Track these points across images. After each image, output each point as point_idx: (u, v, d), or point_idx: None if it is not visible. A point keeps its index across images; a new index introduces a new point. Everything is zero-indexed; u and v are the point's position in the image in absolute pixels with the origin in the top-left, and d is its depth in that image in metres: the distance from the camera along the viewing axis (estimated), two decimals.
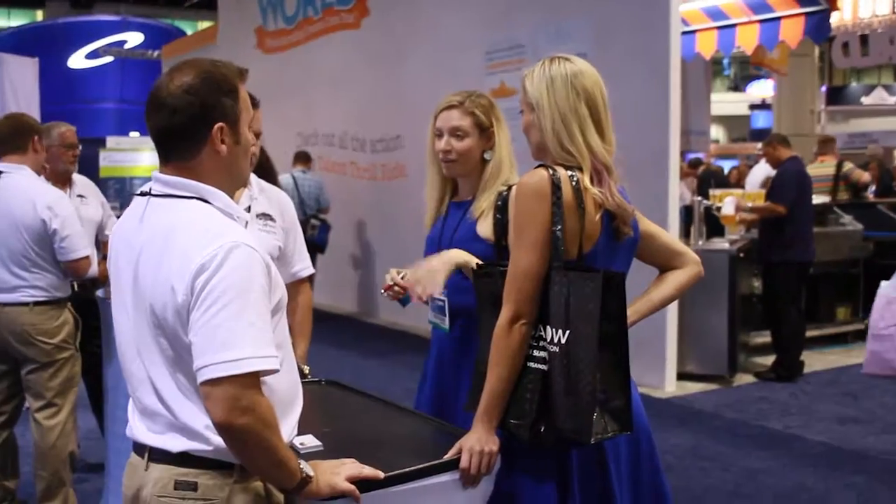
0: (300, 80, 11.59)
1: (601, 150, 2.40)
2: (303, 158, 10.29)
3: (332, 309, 10.67)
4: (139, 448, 2.06)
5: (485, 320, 2.46)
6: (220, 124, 1.99)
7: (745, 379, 7.37)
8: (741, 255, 7.32)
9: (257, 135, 3.13)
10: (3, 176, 4.24)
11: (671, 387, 6.91)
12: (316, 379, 3.19)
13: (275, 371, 1.92)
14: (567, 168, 2.36)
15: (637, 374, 6.59)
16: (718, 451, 5.54)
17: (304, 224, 9.81)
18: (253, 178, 3.24)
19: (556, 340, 2.27)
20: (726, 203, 7.70)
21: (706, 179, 10.62)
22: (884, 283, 4.35)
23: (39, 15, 32.20)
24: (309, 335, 3.45)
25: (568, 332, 2.25)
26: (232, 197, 2.07)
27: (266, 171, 5.65)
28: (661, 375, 6.89)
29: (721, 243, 7.54)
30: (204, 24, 24.38)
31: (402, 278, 2.89)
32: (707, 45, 10.63)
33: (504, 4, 8.28)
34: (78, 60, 21.48)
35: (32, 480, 4.37)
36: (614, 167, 2.44)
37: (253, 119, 3.03)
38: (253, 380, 1.87)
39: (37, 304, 4.20)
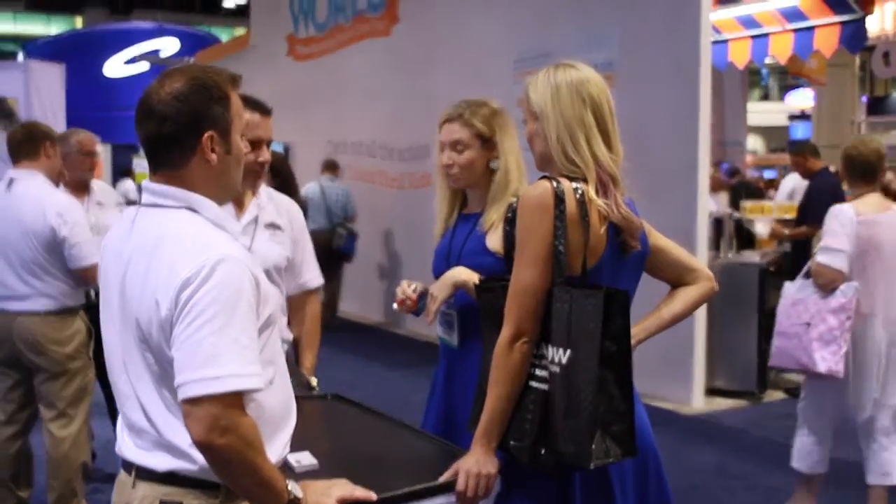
0: (330, 87, 11.58)
1: (607, 161, 2.30)
2: (330, 167, 10.27)
3: (358, 318, 10.62)
4: (127, 465, 2.01)
5: (487, 337, 2.38)
6: (210, 132, 1.94)
7: (775, 395, 7.21)
8: (772, 268, 7.17)
9: (268, 143, 3.08)
10: (14, 183, 4.23)
11: (699, 403, 6.77)
12: (322, 393, 3.13)
13: (258, 390, 1.86)
14: (571, 179, 2.27)
15: (664, 389, 6.51)
16: (745, 469, 5.41)
17: (331, 233, 9.79)
18: (262, 186, 3.19)
19: (557, 360, 2.18)
20: (760, 225, 7.55)
21: (738, 191, 10.44)
22: (788, 284, 4.47)
23: (79, 21, 32.59)
24: (317, 346, 3.38)
25: (569, 351, 2.16)
26: (222, 205, 2.01)
27: (284, 179, 5.64)
28: (688, 391, 6.75)
29: (751, 257, 7.41)
30: (239, 32, 24.51)
31: (414, 290, 2.84)
32: (740, 55, 10.46)
33: (533, 12, 8.20)
34: (114, 68, 21.68)
35: (45, 490, 4.34)
36: (621, 178, 2.34)
37: (262, 127, 3.01)
38: (235, 399, 1.80)
39: (48, 313, 4.17)
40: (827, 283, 4.22)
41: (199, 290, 1.79)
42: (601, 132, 2.32)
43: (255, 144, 2.98)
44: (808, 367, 4.31)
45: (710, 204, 9.71)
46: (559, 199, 2.21)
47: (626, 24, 7.20)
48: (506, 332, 2.23)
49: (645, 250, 2.42)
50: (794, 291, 4.42)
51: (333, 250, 9.87)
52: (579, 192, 2.24)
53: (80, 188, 4.87)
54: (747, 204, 8.26)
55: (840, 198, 7.20)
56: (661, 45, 6.91)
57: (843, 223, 4.19)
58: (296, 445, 2.28)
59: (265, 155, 3.03)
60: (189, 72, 1.98)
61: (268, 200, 3.19)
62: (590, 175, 2.27)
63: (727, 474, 5.32)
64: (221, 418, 1.77)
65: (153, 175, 2.00)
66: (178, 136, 1.93)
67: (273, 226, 3.16)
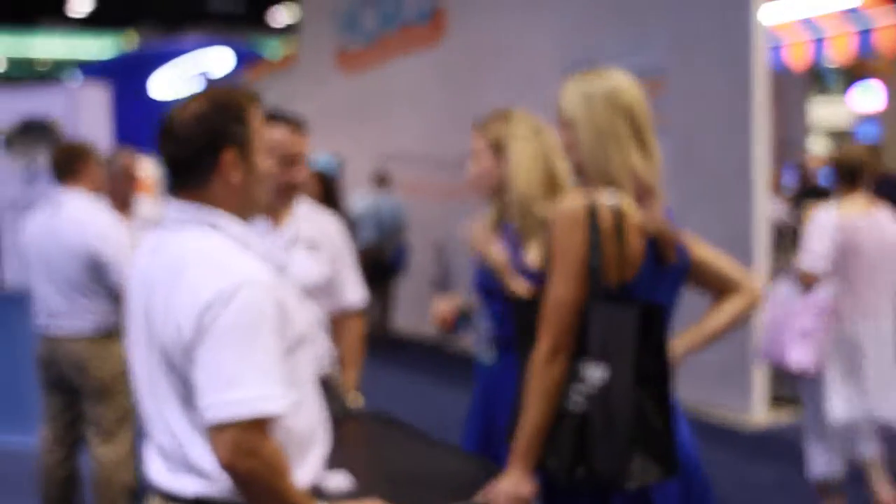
0: (379, 99, 11.59)
1: (643, 171, 2.23)
2: (381, 179, 10.27)
3: (409, 332, 10.55)
4: (154, 489, 2.00)
5: (523, 352, 2.31)
6: (230, 152, 1.95)
7: None
8: None
9: (303, 159, 3.03)
10: (62, 207, 4.28)
11: (760, 414, 6.55)
12: (363, 412, 3.11)
13: (281, 414, 1.84)
14: (606, 190, 2.19)
15: (722, 400, 6.31)
16: (810, 487, 5.19)
17: (382, 246, 9.78)
18: (300, 203, 3.13)
19: (593, 378, 2.12)
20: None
21: (801, 194, 10.23)
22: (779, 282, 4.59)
23: (132, 38, 33.26)
24: (359, 364, 3.35)
25: (605, 368, 2.10)
26: (246, 221, 2.02)
27: (329, 196, 5.60)
28: (748, 402, 6.55)
29: None
30: (288, 46, 24.79)
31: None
32: (799, 57, 10.21)
33: (582, 18, 8.11)
34: (165, 85, 22.01)
35: None
36: (658, 188, 2.25)
37: (296, 143, 2.97)
38: (258, 422, 1.80)
39: (93, 334, 4.20)
40: (805, 283, 4.32)
41: (222, 314, 1.79)
42: (636, 140, 2.25)
43: (291, 160, 2.96)
44: (782, 364, 4.44)
45: (773, 209, 9.55)
46: (592, 212, 2.15)
47: (676, 27, 7.07)
48: (541, 349, 2.17)
49: (685, 263, 2.34)
50: (783, 289, 4.52)
51: (384, 263, 9.86)
52: (613, 204, 2.17)
53: (124, 208, 4.93)
54: (809, 208, 8.04)
55: None
56: (712, 47, 6.77)
57: (821, 225, 4.29)
58: (334, 465, 2.28)
59: (299, 172, 2.98)
60: (210, 93, 2.00)
61: (306, 217, 3.13)
62: (625, 186, 2.21)
63: (788, 491, 5.13)
64: (244, 442, 1.78)
65: (176, 196, 2.00)
66: (198, 155, 1.94)
67: (311, 243, 3.10)
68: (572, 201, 2.18)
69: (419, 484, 2.40)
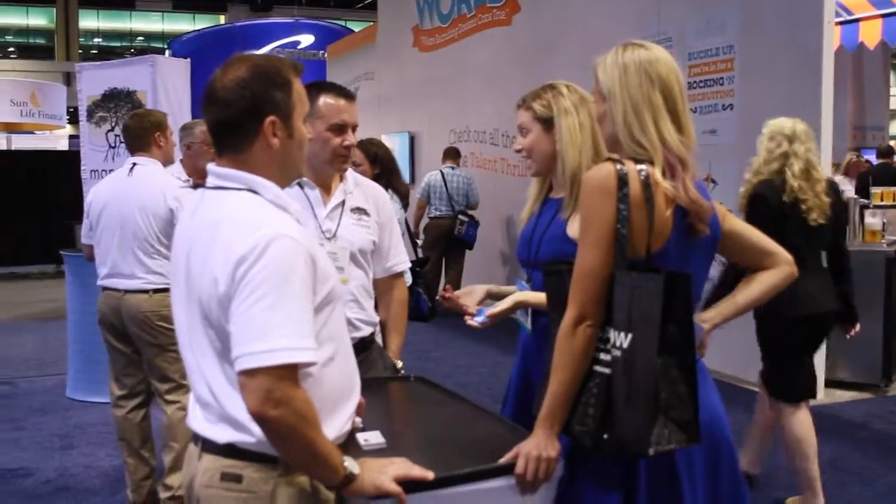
0: (454, 77, 11.66)
1: (676, 143, 2.24)
2: (452, 155, 10.36)
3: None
4: (195, 437, 2.10)
5: (553, 320, 2.36)
6: (271, 117, 2.01)
7: None
8: None
9: (354, 128, 3.13)
10: (135, 168, 4.52)
11: (819, 394, 6.52)
12: (406, 375, 3.18)
13: (311, 364, 1.90)
14: (637, 161, 2.22)
15: None
16: (862, 464, 5.22)
17: (453, 220, 9.89)
18: (349, 172, 3.25)
19: (619, 344, 2.14)
20: (873, 218, 7.23)
21: (864, 177, 10.02)
22: None
23: (222, 18, 33.73)
24: (403, 330, 3.42)
25: (630, 335, 2.12)
26: (284, 188, 2.08)
27: (385, 167, 5.71)
28: None
29: (878, 244, 7.11)
30: (372, 24, 24.95)
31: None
32: (871, 35, 9.98)
33: None
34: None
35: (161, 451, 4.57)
36: (691, 161, 2.28)
37: (347, 112, 3.08)
38: (288, 372, 1.85)
39: (156, 291, 4.40)
40: None
41: (254, 267, 1.85)
42: (670, 113, 2.26)
43: (341, 129, 3.04)
44: None
45: (849, 189, 9.40)
46: (622, 181, 2.17)
47: (747, 7, 7.01)
48: (569, 316, 2.21)
49: (716, 234, 2.35)
50: None
51: (455, 237, 9.98)
52: (644, 174, 2.19)
53: (203, 176, 5.05)
54: (877, 190, 7.94)
55: None
56: (782, 28, 6.71)
57: None
58: (371, 425, 2.35)
59: (350, 139, 3.08)
60: (251, 59, 2.05)
61: (354, 185, 3.25)
62: (657, 157, 2.22)
63: (842, 468, 5.14)
64: (274, 390, 1.82)
65: (219, 159, 2.08)
66: (241, 120, 2.00)
67: (360, 210, 3.21)
68: (603, 170, 2.20)
69: (449, 447, 2.43)
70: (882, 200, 7.77)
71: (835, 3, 6.72)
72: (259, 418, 1.85)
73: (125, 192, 4.46)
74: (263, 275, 1.85)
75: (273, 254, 1.87)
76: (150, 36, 38.73)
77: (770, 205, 4.29)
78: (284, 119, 2.04)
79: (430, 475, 2.07)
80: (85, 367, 6.65)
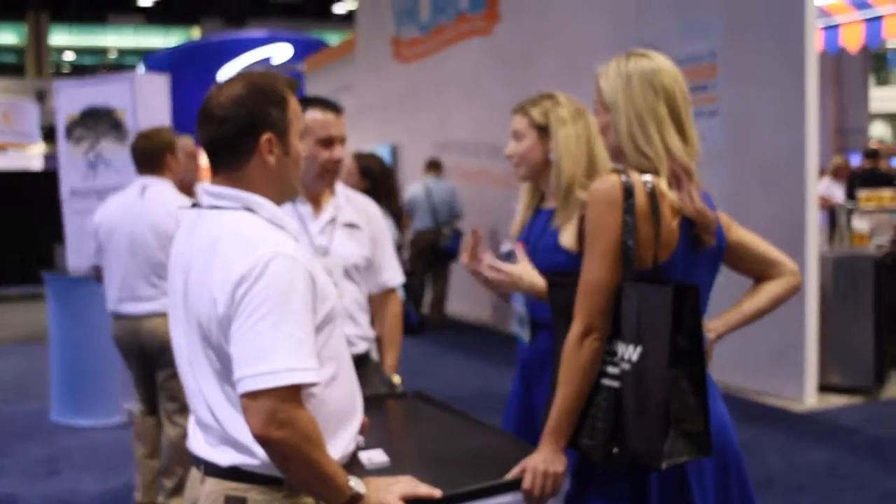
0: (434, 88, 11.64)
1: (681, 153, 2.22)
2: (434, 166, 10.33)
3: (465, 317, 10.63)
4: (196, 461, 2.06)
5: (559, 333, 2.32)
6: (267, 135, 1.98)
7: (893, 392, 6.91)
8: (890, 261, 6.88)
9: (341, 141, 3.10)
10: (147, 189, 4.46)
11: (811, 399, 6.54)
12: (403, 391, 3.14)
13: (314, 384, 1.88)
14: (642, 172, 2.20)
15: (775, 385, 6.40)
16: (857, 470, 5.19)
17: (437, 232, 9.85)
18: (339, 187, 3.22)
19: (627, 357, 2.12)
20: (861, 221, 7.24)
21: (851, 180, 10.08)
22: None
23: (195, 32, 33.65)
24: (399, 344, 3.39)
25: (639, 348, 2.10)
26: (280, 205, 2.05)
27: (377, 181, 5.67)
28: (800, 387, 6.53)
29: (866, 248, 7.10)
30: (350, 36, 24.94)
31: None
32: (852, 39, 10.03)
33: (634, 4, 8.06)
34: (228, 76, 22.25)
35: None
36: (696, 171, 2.25)
37: (334, 126, 3.05)
38: (292, 393, 1.82)
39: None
40: None
41: (254, 287, 1.82)
42: (674, 123, 2.24)
43: (329, 143, 3.02)
44: None
45: (834, 193, 9.42)
46: (628, 192, 2.15)
47: (729, 13, 7.02)
48: (575, 329, 2.18)
49: (721, 245, 2.33)
50: None
51: (439, 249, 9.93)
52: (649, 185, 2.17)
53: (187, 190, 5.06)
54: (863, 193, 7.95)
55: None
56: (765, 33, 6.71)
57: None
58: (372, 443, 2.33)
59: (339, 153, 3.06)
60: (248, 77, 2.03)
61: (346, 201, 3.22)
62: (661, 168, 2.20)
63: (838, 474, 5.11)
64: (278, 412, 1.79)
65: (214, 177, 2.04)
66: (236, 138, 1.98)
67: (351, 225, 3.18)
68: (608, 182, 2.17)
69: (453, 463, 2.42)
70: (869, 204, 7.77)
71: (817, 7, 6.71)
72: (263, 440, 1.82)
73: (137, 215, 4.40)
74: (263, 295, 1.82)
75: (273, 273, 1.84)
76: (123, 52, 38.54)
77: None
78: (280, 136, 2.01)
79: (436, 493, 2.05)
80: (69, 390, 6.56)
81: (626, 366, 2.12)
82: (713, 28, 7.10)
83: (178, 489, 4.38)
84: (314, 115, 2.99)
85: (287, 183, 2.07)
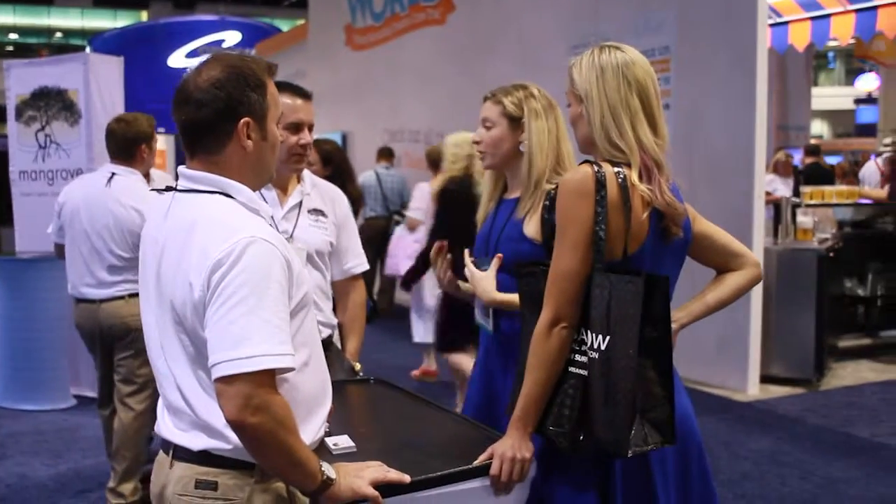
0: (387, 76, 11.63)
1: (652, 145, 2.26)
2: (386, 154, 10.31)
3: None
4: (165, 445, 2.05)
5: (527, 321, 2.36)
6: (245, 119, 1.97)
7: (832, 383, 7.10)
8: (831, 254, 7.05)
9: (310, 127, 3.10)
10: (115, 179, 4.43)
11: (754, 389, 6.70)
12: (365, 377, 3.16)
13: (290, 369, 1.88)
14: (614, 164, 2.23)
15: (719, 376, 6.52)
16: (799, 458, 5.33)
17: (387, 220, 9.84)
18: (306, 173, 3.22)
19: (596, 346, 2.15)
20: (805, 216, 7.41)
21: (795, 176, 10.28)
22: None
23: (144, 15, 33.15)
24: (362, 332, 3.40)
25: (608, 337, 2.13)
26: (256, 191, 2.04)
27: (337, 167, 5.66)
28: (743, 378, 6.69)
29: (810, 243, 7.27)
30: (300, 23, 24.72)
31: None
32: (800, 37, 10.23)
33: None
34: (178, 60, 21.97)
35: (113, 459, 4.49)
36: (666, 163, 2.30)
37: (303, 110, 3.05)
38: (267, 378, 1.82)
39: (131, 295, 4.35)
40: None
41: (230, 272, 1.81)
42: (646, 116, 2.28)
43: (297, 128, 3.02)
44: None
45: (780, 188, 9.60)
46: (600, 184, 2.18)
47: (683, 9, 7.12)
48: (544, 317, 2.21)
49: (688, 237, 2.38)
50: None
51: (390, 237, 9.93)
52: (621, 176, 2.21)
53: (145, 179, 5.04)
54: (807, 189, 8.13)
55: None
56: (718, 29, 6.83)
57: None
58: (336, 429, 2.34)
59: (307, 138, 3.06)
60: (226, 60, 2.01)
61: (311, 186, 3.22)
62: (633, 160, 2.24)
63: (780, 462, 5.24)
64: (253, 397, 1.79)
65: (190, 161, 2.03)
66: (215, 121, 1.96)
67: (316, 211, 3.19)
68: (581, 173, 2.20)
69: (419, 449, 2.43)
70: (812, 199, 7.95)
71: (768, 3, 6.85)
72: (238, 425, 1.82)
73: (100, 203, 4.38)
74: (240, 280, 1.82)
75: (250, 258, 1.83)
76: (69, 32, 37.81)
77: (456, 196, 5.22)
78: (259, 121, 2.00)
79: (406, 478, 2.07)
80: (15, 374, 6.46)
81: (594, 354, 2.15)
82: (667, 23, 7.20)
83: (128, 473, 4.39)
84: (283, 99, 2.96)
85: (264, 168, 2.06)
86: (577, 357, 2.22)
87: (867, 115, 26.52)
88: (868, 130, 24.38)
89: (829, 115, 30.27)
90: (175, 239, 1.94)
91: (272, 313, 1.84)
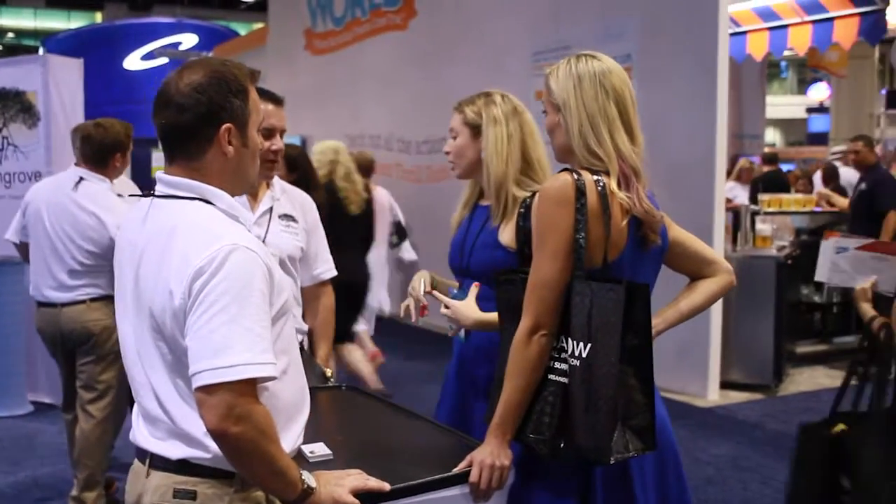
0: (347, 81, 11.59)
1: (630, 153, 2.28)
2: None
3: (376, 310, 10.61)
4: (141, 454, 2.02)
5: (505, 329, 2.36)
6: (227, 125, 1.95)
7: (790, 389, 7.19)
8: (789, 262, 7.15)
9: (281, 132, 3.10)
10: (82, 184, 4.36)
11: (714, 395, 6.76)
12: (336, 384, 3.15)
13: (272, 378, 1.85)
14: (593, 172, 2.24)
15: (679, 382, 6.55)
16: (759, 463, 5.39)
17: None
18: (276, 179, 3.21)
19: (577, 353, 2.15)
20: (763, 224, 7.52)
21: (755, 184, 10.42)
22: None
23: (98, 17, 32.75)
24: (331, 337, 3.40)
25: (589, 345, 2.13)
26: (235, 197, 2.02)
27: (303, 173, 5.64)
28: (703, 384, 6.76)
29: (768, 250, 7.37)
30: (257, 26, 24.57)
31: (425, 291, 2.87)
32: (758, 47, 10.38)
33: (551, 5, 8.18)
34: (134, 62, 21.77)
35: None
36: (643, 171, 2.31)
37: (275, 116, 3.04)
38: (249, 387, 1.80)
39: (93, 300, 4.31)
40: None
41: (212, 280, 1.79)
42: (623, 124, 2.29)
43: (269, 133, 3.01)
44: None
45: (740, 195, 9.70)
46: (580, 191, 2.18)
47: (645, 17, 7.18)
48: (524, 325, 2.21)
49: (664, 244, 2.40)
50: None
51: None
52: (601, 184, 2.21)
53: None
54: (765, 197, 8.23)
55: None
56: (679, 38, 6.89)
57: None
58: (310, 436, 2.30)
59: (279, 143, 3.06)
60: (209, 64, 1.99)
61: (281, 192, 3.22)
62: (612, 168, 2.25)
63: (741, 467, 5.30)
64: (235, 406, 1.77)
65: (169, 166, 2.00)
66: (196, 126, 1.94)
67: (287, 217, 3.17)
68: (560, 181, 2.20)
69: (396, 456, 2.43)
70: (770, 207, 8.05)
71: (729, 13, 6.93)
72: (219, 435, 1.79)
73: (65, 207, 4.32)
74: (222, 287, 1.80)
75: (232, 266, 1.81)
76: (21, 33, 37.24)
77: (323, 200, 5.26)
78: (240, 127, 1.98)
79: (386, 486, 2.07)
80: None
81: (574, 362, 2.15)
82: (629, 31, 7.25)
83: (90, 481, 4.33)
84: None
85: (243, 175, 2.04)
86: (557, 364, 2.22)
87: (819, 123, 26.92)
88: (820, 139, 24.76)
89: (782, 124, 30.66)
90: (154, 245, 1.92)
91: (254, 321, 1.82)
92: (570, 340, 2.18)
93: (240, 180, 2.05)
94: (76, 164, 4.45)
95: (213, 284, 1.80)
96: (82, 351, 4.33)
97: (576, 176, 2.21)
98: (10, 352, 6.20)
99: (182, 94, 1.93)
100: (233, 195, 2.01)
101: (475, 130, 2.84)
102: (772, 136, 30.02)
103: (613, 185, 2.23)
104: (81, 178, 4.37)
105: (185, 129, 1.95)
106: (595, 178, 2.22)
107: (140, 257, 1.95)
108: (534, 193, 2.68)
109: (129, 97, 19.74)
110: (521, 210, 2.68)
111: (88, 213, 4.27)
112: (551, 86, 2.33)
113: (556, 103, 2.31)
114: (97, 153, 4.39)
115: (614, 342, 2.10)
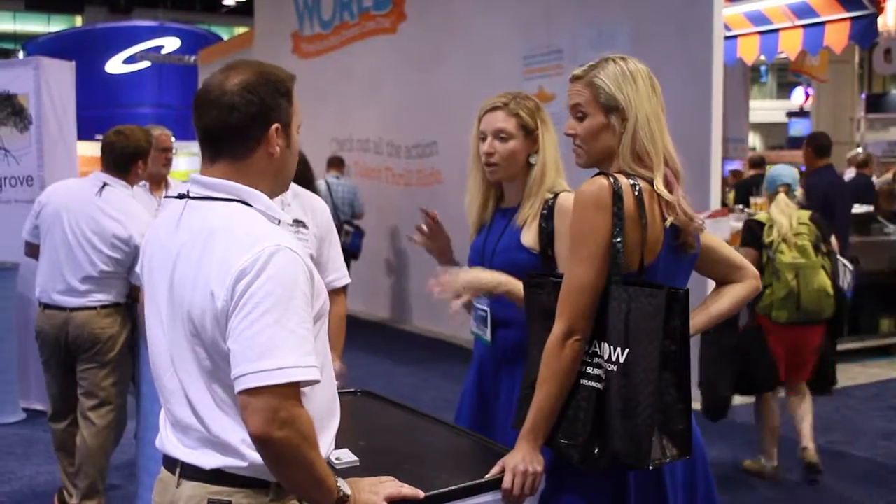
0: (336, 85, 11.54)
1: (674, 156, 2.27)
2: (336, 164, 10.24)
3: (365, 315, 10.58)
4: (170, 463, 1.98)
5: (534, 332, 2.33)
6: (276, 125, 1.94)
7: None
8: None
9: None
10: (106, 189, 4.31)
11: (694, 402, 6.73)
12: (351, 389, 3.11)
13: (315, 382, 1.82)
14: (628, 176, 2.21)
15: None
16: (740, 466, 5.41)
17: (338, 230, 9.75)
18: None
19: (613, 359, 2.13)
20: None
21: (741, 188, 10.48)
22: None
23: (79, 20, 32.53)
24: (341, 348, 3.36)
25: (627, 350, 2.11)
26: (273, 198, 1.99)
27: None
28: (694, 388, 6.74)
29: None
30: (240, 30, 24.48)
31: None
32: (749, 51, 10.43)
33: (542, 9, 8.16)
34: (116, 65, 21.64)
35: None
36: (683, 175, 2.30)
37: None
38: (293, 391, 1.77)
39: (103, 307, 4.27)
40: None
41: (256, 281, 1.76)
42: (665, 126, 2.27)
43: None
44: None
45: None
46: (618, 195, 2.15)
47: (638, 21, 7.16)
48: (557, 329, 2.18)
49: (697, 250, 2.38)
50: None
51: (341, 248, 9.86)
52: (637, 188, 2.19)
53: (156, 183, 5.02)
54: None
55: (834, 194, 7.16)
56: (672, 43, 6.86)
57: None
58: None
59: None
60: (255, 65, 1.98)
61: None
62: (658, 170, 2.22)
63: (723, 470, 5.28)
64: (280, 410, 1.74)
65: (210, 167, 1.96)
66: (247, 126, 1.91)
67: (298, 222, 3.13)
68: (597, 184, 2.17)
69: (424, 461, 2.40)
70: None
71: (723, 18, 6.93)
72: (262, 440, 1.75)
73: (87, 212, 4.26)
74: (266, 289, 1.77)
75: (276, 268, 1.79)
76: (0, 37, 36.96)
77: None
78: (285, 128, 1.97)
79: (420, 494, 2.04)
80: None
81: (611, 367, 2.13)
82: (621, 36, 7.23)
83: (90, 490, 4.28)
84: None
85: (286, 175, 2.03)
86: (590, 370, 2.19)
87: (799, 127, 27.09)
88: (800, 143, 24.91)
89: (762, 128, 30.77)
90: (191, 248, 1.88)
91: (298, 324, 1.79)
92: (606, 345, 2.15)
93: (281, 181, 2.04)
94: (101, 172, 4.40)
95: (256, 286, 1.77)
96: (85, 357, 4.27)
97: (612, 179, 2.18)
98: (2, 359, 6.11)
99: (231, 94, 1.90)
100: (273, 196, 1.99)
101: (529, 134, 2.75)
102: (752, 140, 30.18)
103: (660, 185, 2.21)
104: (105, 184, 4.31)
105: (234, 129, 1.92)
106: (630, 181, 2.19)
107: (175, 260, 1.91)
108: (556, 195, 2.66)
109: (109, 101, 19.62)
110: (544, 212, 2.65)
111: (114, 219, 4.23)
112: (601, 86, 2.26)
113: (609, 105, 2.25)
114: (119, 160, 4.33)
115: (654, 348, 2.07)
